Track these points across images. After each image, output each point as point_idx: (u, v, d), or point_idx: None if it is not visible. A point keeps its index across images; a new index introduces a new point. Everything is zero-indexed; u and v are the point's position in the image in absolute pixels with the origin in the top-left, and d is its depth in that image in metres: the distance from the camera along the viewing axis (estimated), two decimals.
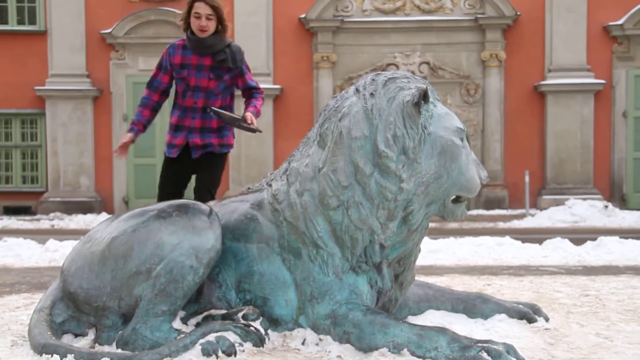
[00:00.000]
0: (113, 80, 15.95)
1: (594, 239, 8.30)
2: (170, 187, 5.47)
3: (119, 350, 3.30)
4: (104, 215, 14.92)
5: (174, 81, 5.39)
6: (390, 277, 3.62)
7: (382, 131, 3.42)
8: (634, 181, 15.59)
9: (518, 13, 15.54)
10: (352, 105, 3.53)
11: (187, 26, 5.28)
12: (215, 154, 5.47)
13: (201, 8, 5.12)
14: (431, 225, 9.72)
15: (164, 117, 15.94)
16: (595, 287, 5.48)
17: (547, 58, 15.65)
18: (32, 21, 16.11)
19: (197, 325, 3.50)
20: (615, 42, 15.60)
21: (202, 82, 5.20)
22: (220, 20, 5.18)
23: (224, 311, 3.54)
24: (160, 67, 5.39)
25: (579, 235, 10.04)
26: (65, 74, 15.87)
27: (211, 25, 5.15)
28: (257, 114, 5.23)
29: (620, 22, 15.47)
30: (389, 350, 3.25)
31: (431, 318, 3.87)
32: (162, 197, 5.35)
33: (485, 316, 3.93)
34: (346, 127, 3.47)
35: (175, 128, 5.38)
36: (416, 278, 4.10)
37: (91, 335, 3.51)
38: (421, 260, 6.79)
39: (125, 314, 3.42)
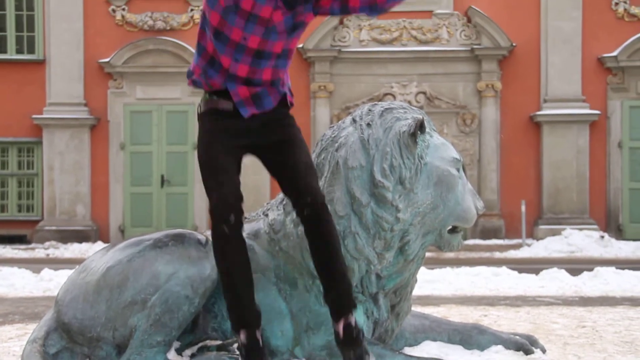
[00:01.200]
0: (111, 108, 16.01)
1: (591, 270, 8.28)
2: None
3: None
4: (100, 244, 14.86)
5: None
6: (387, 308, 3.61)
7: (379, 161, 3.43)
8: (630, 211, 15.61)
9: (514, 44, 15.69)
10: (349, 136, 3.54)
11: None
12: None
13: None
14: (427, 255, 9.67)
15: (162, 145, 16.00)
16: (592, 319, 5.45)
17: (542, 88, 15.76)
18: (31, 50, 16.21)
19: (192, 356, 3.48)
20: (610, 74, 15.73)
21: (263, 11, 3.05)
22: None
23: (219, 342, 3.52)
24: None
25: (576, 266, 10.02)
26: (63, 102, 15.93)
27: None
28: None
29: (614, 53, 15.61)
30: None
31: (428, 349, 3.84)
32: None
33: (482, 347, 3.90)
34: (343, 157, 3.49)
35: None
36: (412, 308, 4.08)
37: None
38: (417, 291, 6.74)
39: (119, 344, 3.39)
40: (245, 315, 3.12)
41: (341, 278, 3.16)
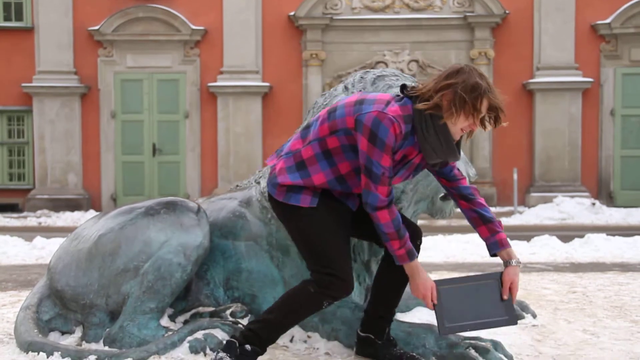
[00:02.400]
0: (101, 77, 15.86)
1: (582, 236, 8.35)
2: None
3: (106, 348, 3.29)
4: (92, 213, 14.85)
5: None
6: None
7: None
8: (621, 179, 15.68)
9: (507, 11, 15.59)
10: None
11: (439, 108, 2.90)
12: None
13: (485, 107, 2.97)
14: (420, 222, 9.73)
15: (153, 114, 15.93)
16: (583, 284, 5.51)
17: (535, 56, 15.70)
18: (19, 17, 16.00)
19: (185, 322, 3.50)
20: (603, 41, 15.66)
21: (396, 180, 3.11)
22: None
23: (212, 309, 3.53)
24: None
25: (567, 233, 10.09)
26: (52, 70, 15.77)
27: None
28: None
29: (607, 20, 15.53)
30: None
31: (419, 315, 3.88)
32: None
33: None
34: None
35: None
36: None
37: (78, 332, 3.50)
38: None
39: (112, 311, 3.41)
40: (274, 341, 3.10)
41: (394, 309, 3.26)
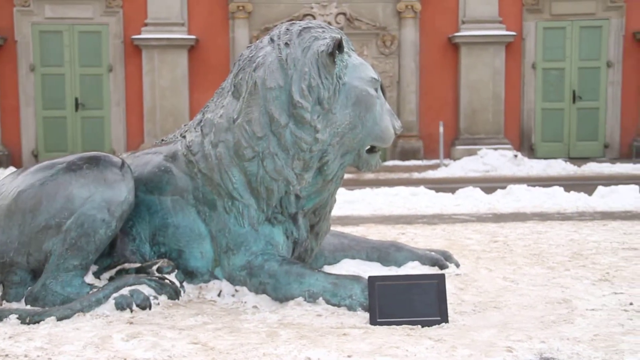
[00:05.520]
0: (17, 28, 15.19)
1: (504, 188, 8.58)
2: None
3: (29, 307, 3.23)
4: (12, 170, 14.38)
5: None
6: (306, 228, 3.66)
7: (297, 81, 3.40)
8: (541, 131, 16.12)
9: None
10: (267, 55, 3.49)
11: None
12: None
13: None
14: (347, 176, 9.81)
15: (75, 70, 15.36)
16: (504, 234, 5.69)
17: (460, 10, 15.83)
18: None
19: (111, 279, 3.46)
20: None
21: None
22: None
23: (138, 265, 3.50)
24: None
25: (490, 184, 10.35)
26: None
27: None
28: None
29: None
30: (305, 300, 3.31)
31: (346, 267, 3.93)
32: None
33: (399, 264, 4.02)
34: (261, 78, 3.44)
35: None
36: (332, 228, 4.15)
37: None
38: (337, 211, 6.87)
39: (34, 269, 3.33)
40: None
41: None
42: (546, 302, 3.43)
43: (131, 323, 3.06)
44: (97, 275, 3.48)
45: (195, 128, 3.70)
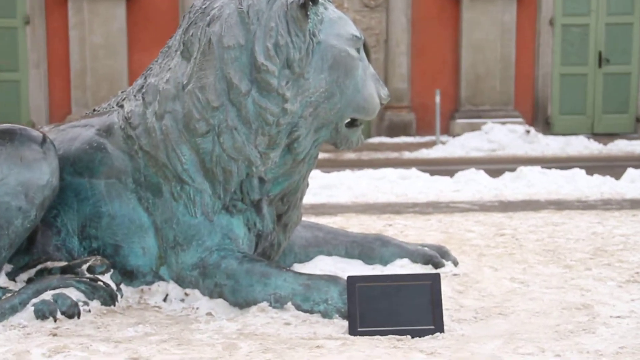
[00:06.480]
0: None
1: (513, 170, 8.66)
2: None
3: None
4: None
5: None
6: (272, 218, 3.67)
7: (261, 39, 3.41)
8: (560, 102, 16.22)
9: None
10: (224, 7, 3.49)
11: None
12: None
13: None
14: (323, 155, 9.84)
15: None
16: (512, 225, 5.76)
17: None
18: None
19: (29, 281, 3.44)
20: None
21: None
22: None
23: (63, 263, 3.49)
24: None
25: (496, 166, 10.42)
26: None
27: None
28: None
29: None
30: (270, 305, 3.33)
31: (321, 265, 3.96)
32: None
33: (385, 261, 4.06)
34: (216, 34, 3.44)
35: None
36: (304, 218, 4.18)
37: None
38: (310, 198, 6.89)
39: None
40: None
41: None
42: (562, 307, 3.48)
43: (55, 335, 3.05)
44: (12, 276, 3.47)
45: (135, 96, 3.69)
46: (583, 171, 8.44)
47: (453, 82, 16.15)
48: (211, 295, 3.46)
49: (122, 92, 3.87)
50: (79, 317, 3.24)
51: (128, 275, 3.57)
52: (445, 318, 3.14)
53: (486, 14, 15.84)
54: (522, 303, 3.58)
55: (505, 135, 14.37)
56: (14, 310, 3.18)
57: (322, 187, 7.93)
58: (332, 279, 3.35)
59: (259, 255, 3.66)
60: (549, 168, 8.85)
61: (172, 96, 3.52)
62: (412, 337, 3.03)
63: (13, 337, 3.03)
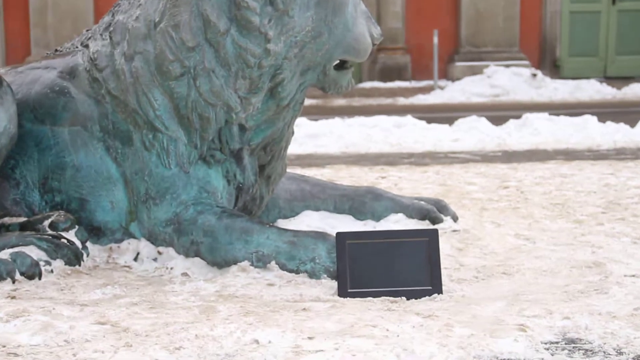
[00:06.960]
0: None
1: (518, 117, 8.67)
2: None
3: None
4: None
5: None
6: (254, 169, 3.66)
7: None
8: (569, 42, 16.20)
9: None
10: None
11: None
12: None
13: None
14: (310, 101, 9.82)
15: None
16: (517, 177, 5.78)
17: None
18: None
19: None
20: None
21: None
22: None
23: (23, 219, 3.48)
24: None
25: (500, 113, 10.44)
26: None
27: None
28: None
29: None
30: (252, 264, 3.33)
31: (308, 220, 3.97)
32: None
33: (377, 216, 4.06)
34: None
35: None
36: (289, 170, 4.17)
37: None
38: (296, 148, 6.89)
39: None
40: None
41: None
42: (572, 266, 3.49)
43: (13, 298, 3.04)
44: None
45: (102, 35, 3.66)
46: (595, 118, 8.46)
47: (452, 21, 16.11)
48: (187, 254, 3.45)
49: (87, 30, 3.83)
50: (40, 278, 3.23)
51: (95, 232, 3.56)
52: (443, 278, 3.15)
53: None
54: (528, 261, 3.58)
55: (509, 79, 14.38)
56: None
57: (309, 136, 7.93)
58: (319, 236, 3.35)
59: (239, 210, 3.65)
60: (557, 115, 8.87)
61: (142, 35, 3.48)
62: (408, 299, 3.04)
63: None
